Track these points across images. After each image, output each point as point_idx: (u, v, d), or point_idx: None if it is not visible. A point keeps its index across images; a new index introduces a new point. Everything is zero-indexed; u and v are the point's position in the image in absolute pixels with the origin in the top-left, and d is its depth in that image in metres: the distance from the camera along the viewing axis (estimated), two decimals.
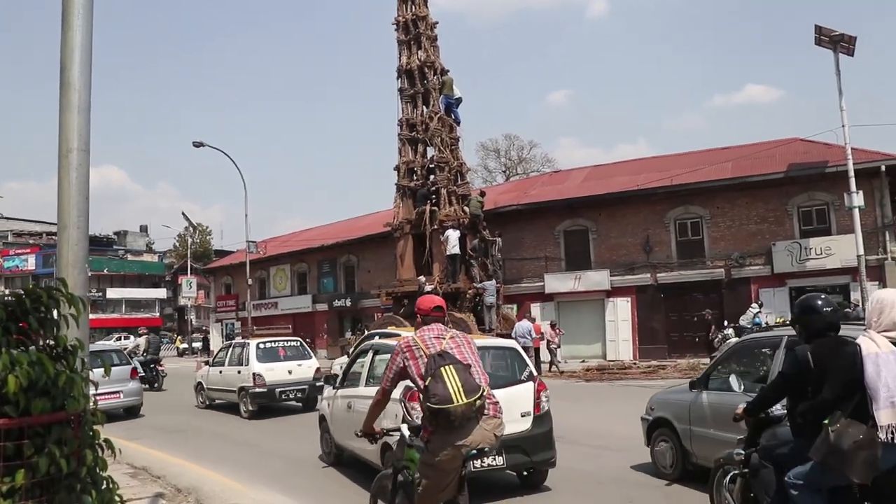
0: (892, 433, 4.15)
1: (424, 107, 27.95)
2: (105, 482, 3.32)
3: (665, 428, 8.47)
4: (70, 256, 4.65)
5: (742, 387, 6.41)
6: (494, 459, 7.55)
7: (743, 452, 5.10)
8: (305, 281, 44.76)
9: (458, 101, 28.03)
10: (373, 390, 6.84)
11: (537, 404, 8.32)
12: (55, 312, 3.18)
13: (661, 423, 8.61)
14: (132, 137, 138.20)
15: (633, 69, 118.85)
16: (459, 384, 4.49)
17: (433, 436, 4.64)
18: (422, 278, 25.80)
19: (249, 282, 38.55)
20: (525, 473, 8.50)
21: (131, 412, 17.29)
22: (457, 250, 25.45)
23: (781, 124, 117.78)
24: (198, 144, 35.32)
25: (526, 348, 23.26)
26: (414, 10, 28.28)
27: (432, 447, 4.62)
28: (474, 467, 6.70)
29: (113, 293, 77.35)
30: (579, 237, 31.12)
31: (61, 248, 4.68)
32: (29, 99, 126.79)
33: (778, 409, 5.01)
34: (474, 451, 4.64)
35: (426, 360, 4.72)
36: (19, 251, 75.41)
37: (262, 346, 16.81)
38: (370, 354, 9.54)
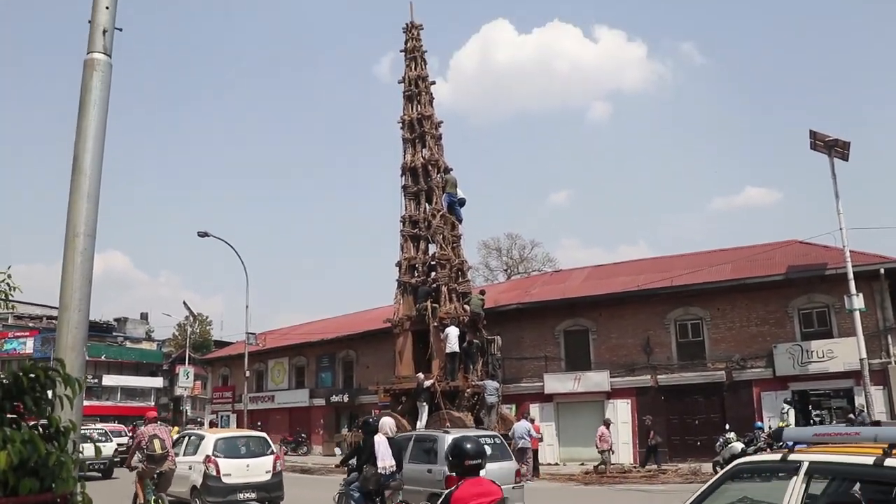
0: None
1: (427, 204, 28.29)
2: None
3: None
4: (69, 339, 4.68)
5: None
6: (252, 493, 14.70)
7: None
8: (303, 375, 44.37)
9: (462, 201, 28.40)
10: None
11: (274, 466, 15.53)
12: (50, 393, 3.18)
13: None
14: (138, 224, 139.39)
15: (633, 171, 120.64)
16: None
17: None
18: (420, 375, 25.60)
19: (247, 374, 38.25)
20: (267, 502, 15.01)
21: None
22: (456, 348, 25.32)
23: (781, 226, 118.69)
24: (203, 234, 35.68)
25: (524, 449, 23.01)
26: (420, 109, 28.99)
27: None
28: (240, 498, 14.56)
29: (109, 380, 76.38)
30: (579, 337, 31.00)
31: (61, 330, 4.71)
32: (43, 181, 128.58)
33: None
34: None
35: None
36: (18, 334, 74.88)
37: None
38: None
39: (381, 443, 11.13)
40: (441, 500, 4.86)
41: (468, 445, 5.06)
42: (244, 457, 15.60)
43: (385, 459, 10.99)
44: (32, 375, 3.13)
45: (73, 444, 3.28)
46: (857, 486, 4.79)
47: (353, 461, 12.24)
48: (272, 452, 16.14)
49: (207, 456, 14.83)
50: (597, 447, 24.84)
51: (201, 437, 15.93)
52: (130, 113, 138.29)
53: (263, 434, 17.87)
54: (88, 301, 4.87)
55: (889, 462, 4.11)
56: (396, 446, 11.56)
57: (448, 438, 12.05)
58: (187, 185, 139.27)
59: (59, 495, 3.01)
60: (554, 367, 30.98)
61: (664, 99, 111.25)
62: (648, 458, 26.06)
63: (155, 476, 12.57)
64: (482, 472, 5.33)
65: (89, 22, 5.41)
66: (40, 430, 3.14)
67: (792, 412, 23.41)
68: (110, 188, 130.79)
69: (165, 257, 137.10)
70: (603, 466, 24.17)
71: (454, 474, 5.05)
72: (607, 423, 25.81)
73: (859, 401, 23.96)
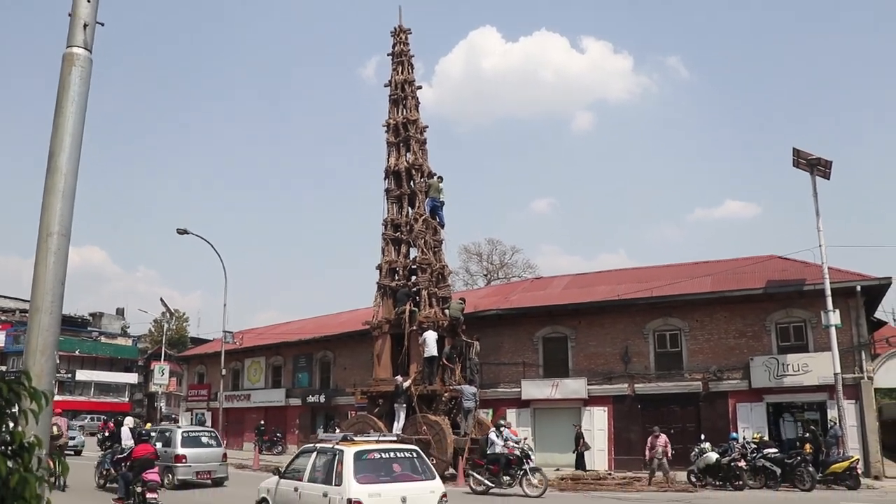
0: None
1: (410, 208, 28.24)
2: None
3: None
4: (39, 342, 4.55)
5: None
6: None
7: None
8: (280, 374, 44.09)
9: (442, 203, 28.38)
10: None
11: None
12: (15, 407, 3.04)
13: None
14: (115, 219, 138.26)
15: (615, 181, 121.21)
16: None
17: None
18: (398, 378, 25.55)
19: (223, 372, 37.99)
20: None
21: None
22: (434, 352, 25.31)
23: (759, 239, 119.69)
24: (182, 231, 35.40)
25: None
26: (405, 113, 28.92)
27: None
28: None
29: (83, 375, 75.71)
30: (558, 344, 31.00)
31: (31, 333, 4.59)
32: (18, 174, 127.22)
33: None
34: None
35: None
36: None
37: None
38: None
39: (125, 431, 21.47)
40: None
41: None
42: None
43: (126, 441, 20.03)
44: None
45: (39, 460, 3.14)
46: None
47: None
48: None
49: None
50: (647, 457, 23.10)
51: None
52: (112, 107, 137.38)
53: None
54: (61, 303, 4.74)
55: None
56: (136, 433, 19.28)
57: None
58: (167, 181, 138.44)
59: None
60: (532, 374, 30.96)
61: (648, 111, 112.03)
62: (580, 464, 26.44)
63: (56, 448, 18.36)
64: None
65: (69, 15, 5.29)
66: (2, 446, 3.00)
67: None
68: (87, 181, 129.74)
69: (143, 253, 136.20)
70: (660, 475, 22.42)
71: None
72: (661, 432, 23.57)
73: (832, 414, 24.33)
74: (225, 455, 22.68)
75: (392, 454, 11.76)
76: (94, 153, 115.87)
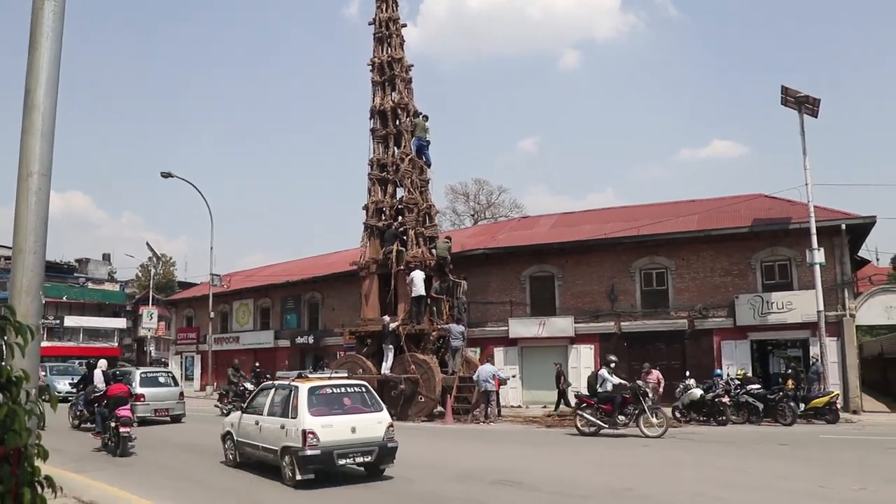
0: None
1: (396, 148, 28.05)
2: None
3: None
4: (24, 282, 4.51)
5: None
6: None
7: None
8: (268, 316, 44.28)
9: (428, 142, 28.21)
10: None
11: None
12: (2, 341, 3.04)
13: None
14: (99, 163, 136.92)
15: (602, 120, 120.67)
16: None
17: None
18: (386, 318, 25.68)
19: (212, 315, 38.16)
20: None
21: None
22: (422, 292, 25.40)
23: (746, 180, 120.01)
24: (166, 175, 35.20)
25: (489, 392, 23.29)
26: (390, 52, 28.49)
27: None
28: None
29: (71, 321, 75.68)
30: (545, 283, 31.18)
31: (15, 274, 4.54)
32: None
33: None
34: None
35: None
36: None
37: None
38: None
39: (97, 373, 21.42)
40: None
41: None
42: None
43: (99, 383, 20.20)
44: None
45: (27, 394, 3.15)
46: None
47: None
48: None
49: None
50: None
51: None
52: (91, 45, 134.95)
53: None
54: (44, 243, 4.70)
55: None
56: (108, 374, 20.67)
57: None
58: (150, 123, 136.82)
59: (11, 449, 2.89)
60: (519, 312, 31.18)
61: (636, 50, 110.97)
62: (560, 403, 26.53)
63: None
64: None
65: None
66: None
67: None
68: (67, 124, 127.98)
69: (128, 197, 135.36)
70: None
71: None
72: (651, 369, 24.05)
73: (814, 351, 24.66)
74: (182, 394, 24.83)
75: (343, 389, 12.81)
76: (72, 96, 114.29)
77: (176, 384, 25.54)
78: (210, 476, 12.95)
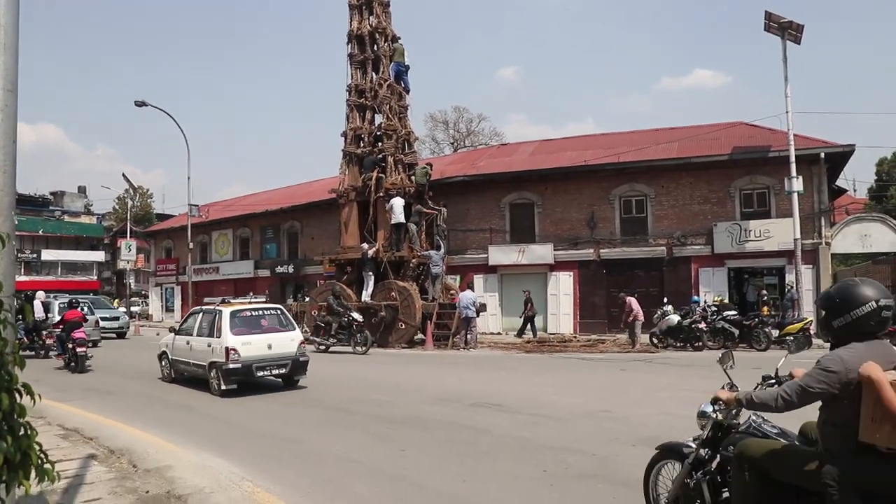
0: None
1: (374, 73, 27.64)
2: (23, 428, 3.12)
3: None
4: None
5: None
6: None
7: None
8: (248, 246, 44.11)
9: (407, 68, 27.82)
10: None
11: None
12: None
13: None
14: (71, 94, 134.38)
15: (583, 49, 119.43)
16: None
17: None
18: (365, 245, 25.65)
19: (191, 246, 37.91)
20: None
21: None
22: (402, 219, 25.33)
23: (728, 110, 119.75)
24: (140, 104, 34.50)
25: (469, 318, 23.43)
26: None
27: None
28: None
29: (48, 255, 75.16)
30: (525, 210, 31.16)
31: None
32: None
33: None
34: None
35: None
36: None
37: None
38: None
39: (37, 304, 22.60)
40: None
41: None
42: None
43: (38, 313, 21.86)
44: None
45: (0, 302, 3.08)
46: None
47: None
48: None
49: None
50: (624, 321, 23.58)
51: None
52: None
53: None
54: (14, 162, 4.52)
55: None
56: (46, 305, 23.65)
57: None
58: (122, 49, 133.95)
59: None
60: (499, 240, 31.22)
61: None
62: (525, 329, 27.51)
63: None
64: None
65: None
66: None
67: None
68: (36, 52, 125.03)
69: (102, 129, 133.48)
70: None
71: None
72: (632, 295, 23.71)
73: (790, 278, 24.90)
74: (98, 322, 27.62)
75: (260, 312, 14.79)
76: (38, 23, 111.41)
77: (92, 312, 27.19)
78: (155, 391, 14.62)
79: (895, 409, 3.46)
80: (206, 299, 20.65)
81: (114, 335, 31.31)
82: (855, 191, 48.12)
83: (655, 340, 22.29)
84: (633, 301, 23.04)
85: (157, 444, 8.94)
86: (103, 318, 29.74)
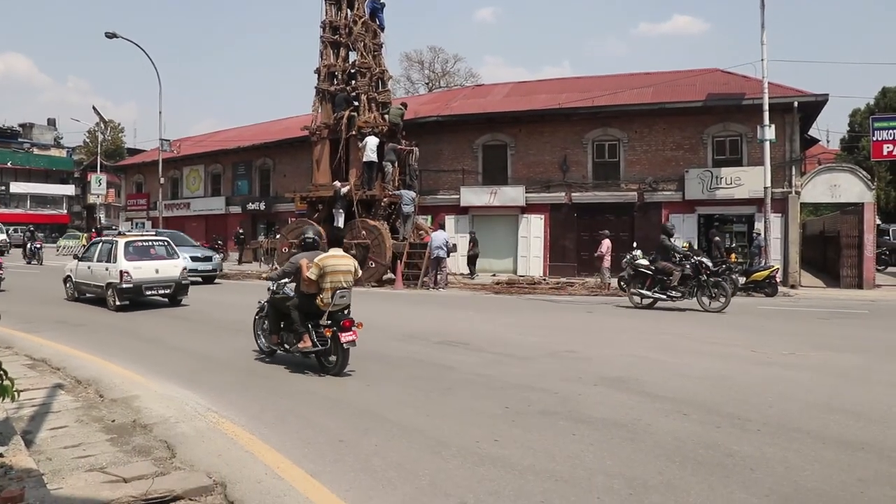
0: None
1: (349, 10, 27.22)
2: None
3: None
4: None
5: None
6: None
7: None
8: (219, 183, 43.76)
9: (383, 5, 27.43)
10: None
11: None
12: None
13: None
14: (41, 24, 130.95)
15: None
16: None
17: None
18: (337, 183, 25.57)
19: (162, 181, 37.55)
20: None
21: None
22: (374, 157, 25.22)
23: (705, 56, 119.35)
24: (110, 35, 33.79)
25: (440, 258, 23.54)
26: None
27: None
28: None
29: (17, 188, 74.26)
30: (498, 152, 31.10)
31: None
32: None
33: None
34: None
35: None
36: None
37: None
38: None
39: None
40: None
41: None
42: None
43: None
44: None
45: None
46: None
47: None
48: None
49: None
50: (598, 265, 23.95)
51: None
52: None
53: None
54: None
55: None
56: None
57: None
58: None
59: None
60: (471, 181, 31.21)
61: None
62: (471, 267, 28.16)
63: None
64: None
65: None
66: None
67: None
68: None
69: (72, 61, 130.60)
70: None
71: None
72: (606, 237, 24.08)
73: (758, 226, 25.20)
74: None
75: (150, 243, 17.89)
76: None
77: None
78: (62, 311, 16.66)
79: (305, 278, 8.98)
80: (105, 232, 22.02)
81: (200, 279, 24.71)
82: (828, 141, 48.55)
83: (624, 284, 22.54)
84: (604, 242, 23.32)
85: (124, 374, 9.03)
86: (194, 259, 24.33)
